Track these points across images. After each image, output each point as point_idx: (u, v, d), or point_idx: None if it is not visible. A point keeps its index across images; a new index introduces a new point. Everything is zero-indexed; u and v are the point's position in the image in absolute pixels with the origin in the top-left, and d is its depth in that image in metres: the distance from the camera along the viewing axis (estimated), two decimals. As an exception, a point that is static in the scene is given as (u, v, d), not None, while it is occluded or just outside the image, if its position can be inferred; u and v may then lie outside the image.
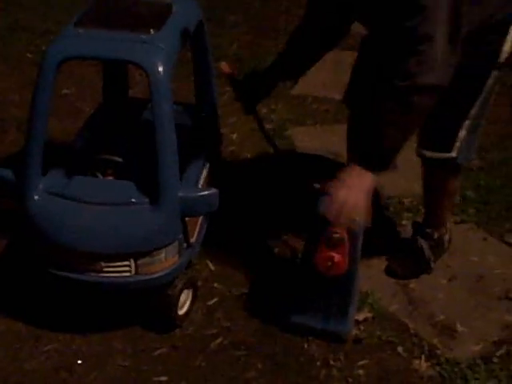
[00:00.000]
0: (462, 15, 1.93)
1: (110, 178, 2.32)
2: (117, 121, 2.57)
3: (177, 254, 2.18)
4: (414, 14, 1.88)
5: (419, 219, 2.60)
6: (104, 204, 2.12)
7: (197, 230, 2.35)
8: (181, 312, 2.28)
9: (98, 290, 2.20)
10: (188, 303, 2.31)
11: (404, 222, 2.73)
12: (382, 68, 2.04)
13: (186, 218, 2.19)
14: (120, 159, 2.37)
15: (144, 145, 2.44)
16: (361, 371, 2.17)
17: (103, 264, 2.11)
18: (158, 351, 2.21)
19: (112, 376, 2.14)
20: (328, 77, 3.63)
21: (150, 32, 2.11)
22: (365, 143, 2.02)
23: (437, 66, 1.92)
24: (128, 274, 2.13)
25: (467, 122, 2.21)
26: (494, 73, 2.15)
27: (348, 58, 3.44)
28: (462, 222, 2.75)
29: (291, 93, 3.57)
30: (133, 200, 2.11)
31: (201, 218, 2.40)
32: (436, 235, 2.48)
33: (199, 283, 2.41)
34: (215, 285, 2.45)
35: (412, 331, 2.30)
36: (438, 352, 2.23)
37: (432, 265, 2.50)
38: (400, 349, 2.24)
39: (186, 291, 2.28)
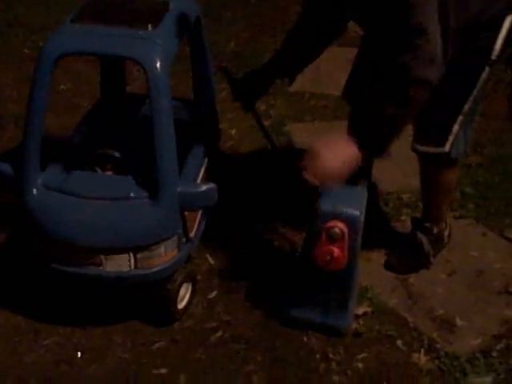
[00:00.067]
0: (449, 12, 1.97)
1: (109, 172, 2.32)
2: (115, 116, 2.57)
3: (176, 248, 2.18)
4: (404, 9, 1.92)
5: (418, 215, 2.60)
6: (103, 199, 2.11)
7: (196, 224, 2.35)
8: (180, 306, 2.28)
9: (98, 284, 2.20)
10: (187, 297, 2.31)
11: (403, 218, 2.73)
12: (379, 63, 2.06)
13: (185, 213, 2.19)
14: (118, 154, 2.37)
15: (142, 140, 2.45)
16: (360, 365, 2.17)
17: (102, 258, 2.11)
18: (158, 344, 2.21)
19: (112, 369, 2.14)
20: (326, 73, 3.63)
21: (147, 28, 2.11)
22: (363, 129, 2.05)
23: (432, 61, 1.95)
24: (127, 268, 2.13)
25: (461, 118, 2.23)
26: (487, 69, 2.17)
27: (346, 54, 3.44)
28: (462, 217, 2.75)
29: (289, 89, 3.56)
30: (132, 195, 2.11)
31: (200, 213, 2.40)
32: (435, 230, 2.48)
33: (199, 277, 2.41)
34: (215, 279, 2.45)
35: (411, 325, 2.30)
36: (438, 346, 2.23)
37: (431, 259, 2.50)
38: (399, 342, 2.25)
39: (185, 285, 2.28)
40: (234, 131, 3.26)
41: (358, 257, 2.20)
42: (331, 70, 3.58)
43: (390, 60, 1.97)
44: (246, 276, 2.47)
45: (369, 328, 2.28)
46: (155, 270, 2.15)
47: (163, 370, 2.14)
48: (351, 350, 2.21)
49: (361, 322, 2.30)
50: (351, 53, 3.41)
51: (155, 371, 2.13)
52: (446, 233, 2.53)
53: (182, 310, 2.29)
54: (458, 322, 2.31)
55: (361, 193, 2.24)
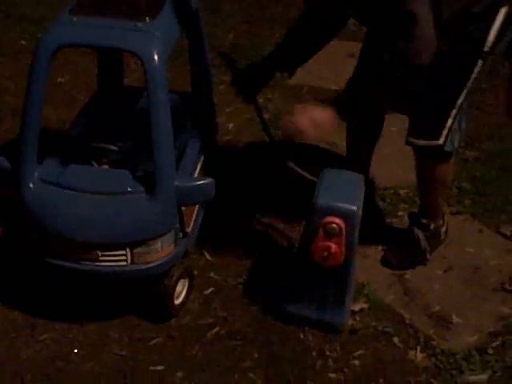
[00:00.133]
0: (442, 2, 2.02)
1: (106, 166, 2.31)
2: (112, 109, 2.56)
3: (173, 244, 2.18)
4: None
5: (415, 210, 2.60)
6: (100, 193, 2.11)
7: (193, 219, 2.35)
8: (177, 301, 2.28)
9: (94, 279, 2.20)
10: (184, 293, 2.31)
11: (400, 213, 2.73)
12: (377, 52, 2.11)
13: (182, 208, 2.18)
14: (115, 148, 2.36)
15: (140, 133, 2.44)
16: (356, 361, 2.18)
17: (99, 253, 2.10)
18: (154, 340, 2.21)
19: (108, 365, 2.14)
20: (324, 67, 3.62)
21: (145, 20, 2.10)
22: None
23: (426, 47, 2.00)
24: (124, 263, 2.13)
25: (454, 111, 2.24)
26: (480, 62, 2.17)
27: (344, 48, 3.45)
28: (458, 213, 2.75)
29: (288, 83, 3.55)
30: (128, 189, 2.11)
31: (197, 208, 2.39)
32: (432, 226, 2.48)
33: (195, 273, 2.40)
34: (211, 274, 2.45)
35: (408, 322, 2.30)
36: (434, 343, 2.23)
37: (428, 256, 2.50)
38: (396, 339, 2.25)
39: (182, 281, 2.28)
40: (231, 125, 3.25)
41: (355, 253, 2.21)
42: (330, 63, 3.57)
43: (385, 48, 2.03)
44: (243, 272, 2.46)
45: (365, 325, 2.29)
46: (152, 265, 2.15)
47: (160, 367, 2.14)
48: (348, 347, 2.21)
49: (357, 319, 2.30)
50: (350, 47, 3.42)
51: (152, 367, 2.13)
52: (443, 229, 2.53)
53: (178, 305, 2.28)
54: (454, 318, 2.32)
55: (358, 188, 2.24)
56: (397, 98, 2.39)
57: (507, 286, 2.44)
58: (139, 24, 2.08)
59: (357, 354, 2.20)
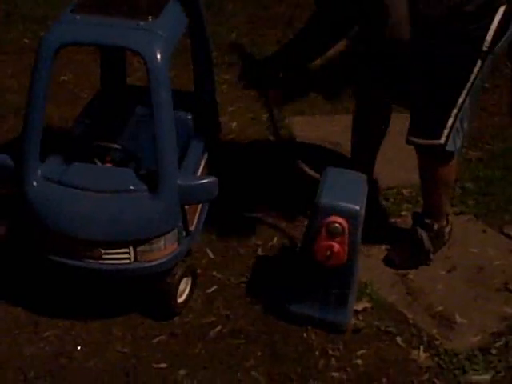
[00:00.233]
0: None
1: (109, 165, 2.31)
2: (115, 108, 2.56)
3: (176, 242, 2.18)
4: None
5: (418, 210, 2.60)
6: (103, 191, 2.11)
7: (196, 217, 2.35)
8: (180, 300, 2.27)
9: (97, 277, 2.20)
10: (187, 291, 2.31)
11: (403, 213, 2.73)
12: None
13: (186, 206, 2.18)
14: (118, 146, 2.36)
15: (142, 132, 2.44)
16: (359, 361, 2.17)
17: (102, 251, 2.10)
18: (158, 338, 2.21)
19: (111, 362, 2.14)
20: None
21: (148, 19, 2.10)
22: None
23: (394, 22, 2.10)
24: (127, 261, 2.13)
25: (455, 111, 2.24)
26: (479, 62, 2.17)
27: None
28: (462, 213, 2.75)
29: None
30: (132, 187, 2.10)
31: (200, 206, 2.39)
32: (436, 226, 2.48)
33: (198, 271, 2.40)
34: (214, 273, 2.45)
35: (411, 322, 2.30)
36: (437, 343, 2.23)
37: (431, 256, 2.50)
38: (399, 339, 2.25)
39: (185, 279, 2.28)
40: (234, 124, 3.25)
41: (358, 252, 2.20)
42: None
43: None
44: (246, 271, 2.46)
45: (368, 324, 2.28)
46: (155, 263, 2.15)
47: (163, 365, 2.14)
48: (350, 347, 2.21)
49: (360, 318, 2.30)
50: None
51: (155, 365, 2.13)
52: (447, 230, 2.53)
53: (181, 304, 2.28)
54: (458, 318, 2.31)
55: (361, 188, 2.24)
56: (400, 92, 2.40)
57: (511, 287, 2.43)
58: (142, 23, 2.08)
59: (360, 353, 2.19)
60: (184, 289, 2.29)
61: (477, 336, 2.25)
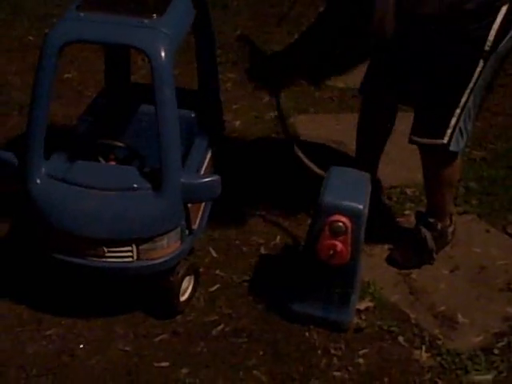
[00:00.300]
0: None
1: (112, 163, 2.31)
2: (119, 106, 2.56)
3: (179, 240, 2.18)
4: None
5: (422, 209, 2.60)
6: (106, 189, 2.11)
7: (199, 216, 2.35)
8: (182, 298, 2.28)
9: (100, 275, 2.20)
10: (190, 289, 2.31)
11: (407, 212, 2.73)
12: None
13: (189, 205, 2.18)
14: (122, 144, 2.36)
15: (146, 130, 2.44)
16: (361, 360, 2.17)
17: (105, 249, 2.10)
18: (160, 337, 2.22)
19: (113, 361, 2.14)
20: (332, 65, 3.61)
21: (152, 17, 2.10)
22: None
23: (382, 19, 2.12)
24: (130, 259, 2.13)
25: (458, 111, 2.24)
26: (481, 61, 2.17)
27: (353, 46, 3.44)
28: (465, 212, 2.74)
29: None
30: (135, 186, 2.11)
31: (203, 205, 2.39)
32: (439, 226, 2.48)
33: (201, 270, 2.41)
34: (217, 272, 2.45)
35: (413, 321, 2.30)
36: (439, 342, 2.23)
37: (434, 255, 2.49)
38: (401, 338, 2.24)
39: (187, 277, 2.28)
40: (238, 122, 3.25)
41: (360, 251, 2.20)
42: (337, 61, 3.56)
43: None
44: (249, 270, 2.46)
45: (370, 323, 2.28)
46: (158, 261, 2.15)
47: (165, 363, 2.14)
48: (352, 346, 2.21)
49: (363, 317, 2.30)
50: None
51: (157, 364, 2.14)
52: (450, 230, 2.52)
53: (184, 302, 2.29)
54: (460, 318, 2.31)
55: (364, 187, 2.23)
56: (404, 91, 2.40)
57: (513, 287, 2.44)
58: (146, 20, 2.08)
59: (362, 352, 2.19)
60: (186, 287, 2.30)
61: (479, 336, 2.25)
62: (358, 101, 2.79)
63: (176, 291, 2.23)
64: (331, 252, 2.11)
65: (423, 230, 2.47)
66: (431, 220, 2.47)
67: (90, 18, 2.10)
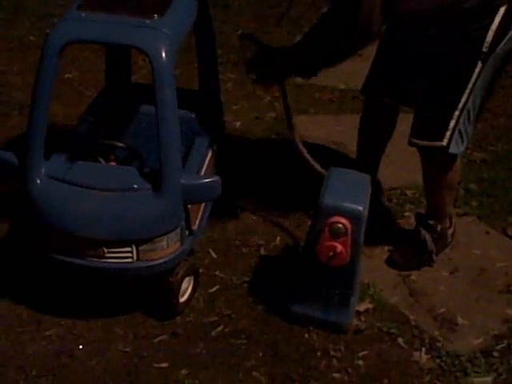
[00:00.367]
0: None
1: (113, 163, 2.31)
2: (120, 106, 2.56)
3: (178, 241, 2.18)
4: None
5: (422, 211, 2.59)
6: (106, 190, 2.11)
7: (199, 217, 2.35)
8: (182, 299, 2.28)
9: (100, 276, 2.20)
10: (189, 290, 2.31)
11: (407, 214, 2.73)
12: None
13: (188, 205, 2.18)
14: (122, 145, 2.36)
15: (146, 131, 2.44)
16: (361, 362, 2.17)
17: (105, 250, 2.10)
18: (159, 338, 2.22)
19: (113, 361, 2.14)
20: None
21: (153, 17, 2.10)
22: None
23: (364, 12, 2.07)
24: (129, 260, 2.13)
25: (457, 113, 2.23)
26: (480, 63, 2.17)
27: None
28: (465, 214, 2.74)
29: (295, 81, 3.55)
30: (135, 186, 2.10)
31: (203, 206, 2.39)
32: (439, 228, 2.48)
33: (201, 271, 2.40)
34: (217, 273, 2.45)
35: (413, 323, 2.30)
36: (439, 344, 2.23)
37: (434, 257, 2.49)
38: (400, 340, 2.24)
39: (187, 278, 2.28)
40: (238, 123, 3.25)
41: (360, 253, 2.20)
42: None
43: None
44: (248, 271, 2.46)
45: (370, 325, 2.28)
46: (157, 262, 2.15)
47: (164, 364, 2.14)
48: (352, 347, 2.21)
49: (362, 319, 2.30)
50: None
51: (156, 365, 2.13)
52: (450, 232, 2.52)
53: (183, 303, 2.28)
54: (460, 320, 2.31)
55: (364, 188, 2.23)
56: (404, 93, 2.40)
57: (513, 289, 2.44)
58: (147, 21, 2.08)
59: (361, 354, 2.19)
60: (186, 288, 2.30)
61: (479, 338, 2.25)
62: (359, 102, 2.79)
63: (176, 292, 2.23)
64: (331, 253, 2.11)
65: (423, 231, 2.47)
66: (431, 222, 2.47)
67: (91, 18, 2.10)
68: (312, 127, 3.23)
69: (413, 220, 2.59)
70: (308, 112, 3.38)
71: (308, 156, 2.39)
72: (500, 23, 2.13)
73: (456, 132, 2.27)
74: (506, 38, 2.18)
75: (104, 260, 2.12)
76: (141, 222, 2.11)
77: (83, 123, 2.45)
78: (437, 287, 2.43)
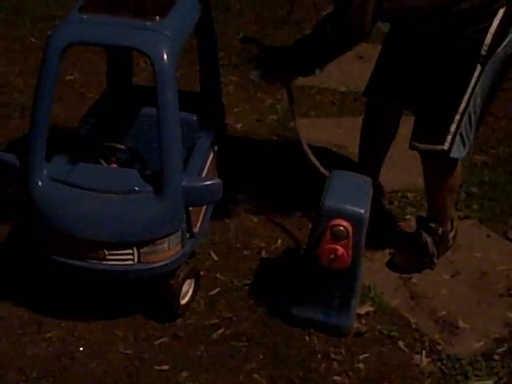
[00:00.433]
0: None
1: (114, 165, 2.31)
2: (121, 108, 2.56)
3: (180, 244, 2.18)
4: None
5: (423, 214, 2.59)
6: (107, 192, 2.11)
7: (200, 219, 2.34)
8: (183, 301, 2.27)
9: (101, 278, 2.20)
10: (190, 293, 2.31)
11: (408, 217, 2.73)
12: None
13: (190, 208, 2.18)
14: (124, 147, 2.36)
15: (148, 133, 2.44)
16: (361, 365, 2.17)
17: (106, 252, 2.10)
18: (160, 340, 2.21)
19: (114, 364, 2.14)
20: (333, 68, 3.60)
21: (155, 19, 2.10)
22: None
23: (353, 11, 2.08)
24: (131, 262, 2.13)
25: (457, 117, 2.23)
26: (479, 66, 2.17)
27: (355, 49, 3.44)
28: (466, 217, 2.74)
29: (296, 83, 3.55)
30: (136, 188, 2.10)
31: (204, 208, 2.39)
32: (440, 231, 2.47)
33: (202, 273, 2.40)
34: (218, 275, 2.45)
35: (413, 326, 2.30)
36: (439, 348, 2.23)
37: (435, 260, 2.49)
38: (401, 343, 2.24)
39: (188, 281, 2.28)
40: (239, 125, 3.25)
41: (361, 256, 2.20)
42: (339, 65, 3.55)
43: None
44: (250, 273, 2.46)
45: (371, 328, 2.28)
46: (158, 264, 2.15)
47: (165, 366, 2.14)
48: (353, 350, 2.21)
49: (363, 322, 2.30)
50: (360, 48, 3.39)
51: (157, 367, 2.13)
52: (451, 235, 2.52)
53: (184, 305, 2.28)
54: (461, 323, 2.31)
55: (366, 191, 2.23)
56: (406, 97, 2.40)
57: (514, 292, 2.44)
58: (149, 23, 2.08)
59: (362, 357, 2.19)
60: (187, 290, 2.29)
61: (480, 341, 2.25)
62: (360, 104, 2.79)
63: (176, 294, 2.23)
64: (332, 256, 2.11)
65: (424, 234, 2.47)
66: (432, 225, 2.47)
67: (93, 20, 2.10)
68: (313, 130, 3.23)
69: (414, 223, 2.59)
70: (309, 114, 3.37)
71: (312, 157, 2.39)
72: (499, 26, 2.13)
73: (457, 136, 2.27)
74: (506, 42, 2.18)
75: (105, 262, 2.12)
76: (142, 224, 2.11)
77: (85, 125, 2.45)
78: (438, 290, 2.43)
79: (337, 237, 2.10)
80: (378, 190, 2.65)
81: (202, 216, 2.36)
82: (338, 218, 2.10)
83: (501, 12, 2.12)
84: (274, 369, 2.14)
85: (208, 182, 2.16)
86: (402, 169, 2.90)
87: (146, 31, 2.07)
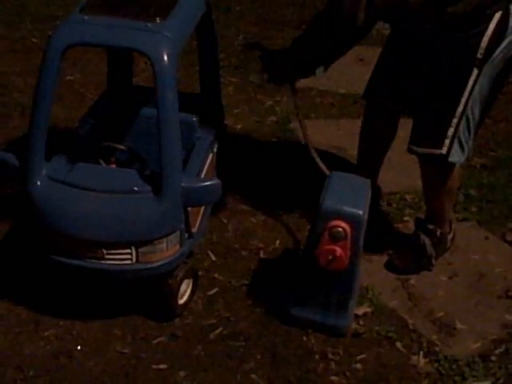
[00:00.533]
0: None
1: (113, 165, 2.32)
2: (121, 108, 2.56)
3: (178, 244, 2.18)
4: None
5: (421, 215, 2.60)
6: (106, 192, 2.11)
7: (199, 219, 2.35)
8: (181, 301, 2.28)
9: (99, 278, 2.20)
10: (188, 293, 2.32)
11: (406, 218, 2.73)
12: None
13: (188, 208, 2.19)
14: (123, 147, 2.37)
15: (147, 133, 2.45)
16: (359, 365, 2.17)
17: (104, 251, 2.11)
18: (158, 339, 2.22)
19: (111, 363, 2.14)
20: (334, 70, 3.60)
21: (156, 20, 2.10)
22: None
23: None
24: (129, 262, 2.13)
25: (455, 120, 2.23)
26: (475, 70, 2.17)
27: (355, 52, 3.44)
28: (464, 219, 2.75)
29: (296, 85, 3.55)
30: (135, 188, 2.11)
31: (203, 208, 2.40)
32: (439, 232, 2.48)
33: (200, 273, 2.41)
34: (216, 275, 2.45)
35: (411, 327, 2.30)
36: (437, 349, 2.23)
37: (433, 262, 2.50)
38: (399, 344, 2.25)
39: (186, 281, 2.29)
40: (239, 127, 3.25)
41: (360, 257, 2.20)
42: (339, 67, 3.55)
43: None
44: (248, 273, 2.47)
45: (369, 329, 2.29)
46: (157, 264, 2.16)
47: (163, 366, 2.14)
48: (350, 351, 2.21)
49: (361, 323, 2.30)
50: (360, 51, 3.41)
51: (155, 366, 2.14)
52: (450, 236, 2.53)
53: (182, 305, 2.29)
54: (458, 325, 2.31)
55: (364, 192, 2.24)
56: (404, 100, 2.40)
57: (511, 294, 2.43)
58: (149, 24, 2.09)
59: (359, 357, 2.20)
60: (185, 290, 2.30)
61: (477, 342, 2.25)
62: (359, 107, 2.80)
63: (174, 294, 2.23)
64: (330, 257, 2.11)
65: (422, 236, 2.47)
66: (430, 226, 2.48)
67: (94, 21, 2.11)
68: (313, 132, 3.21)
69: (412, 224, 2.60)
70: (309, 116, 3.37)
71: (315, 155, 2.40)
72: (495, 29, 2.13)
73: (455, 140, 2.26)
74: (503, 45, 2.18)
75: (103, 262, 2.12)
76: (141, 224, 2.11)
77: (84, 125, 2.46)
78: (436, 292, 2.44)
79: (335, 238, 2.10)
80: (376, 191, 2.66)
81: (200, 216, 2.37)
82: (337, 219, 2.10)
83: (497, 16, 2.13)
84: (271, 369, 2.15)
85: (207, 183, 2.16)
86: (401, 171, 2.91)
87: (146, 32, 2.07)
